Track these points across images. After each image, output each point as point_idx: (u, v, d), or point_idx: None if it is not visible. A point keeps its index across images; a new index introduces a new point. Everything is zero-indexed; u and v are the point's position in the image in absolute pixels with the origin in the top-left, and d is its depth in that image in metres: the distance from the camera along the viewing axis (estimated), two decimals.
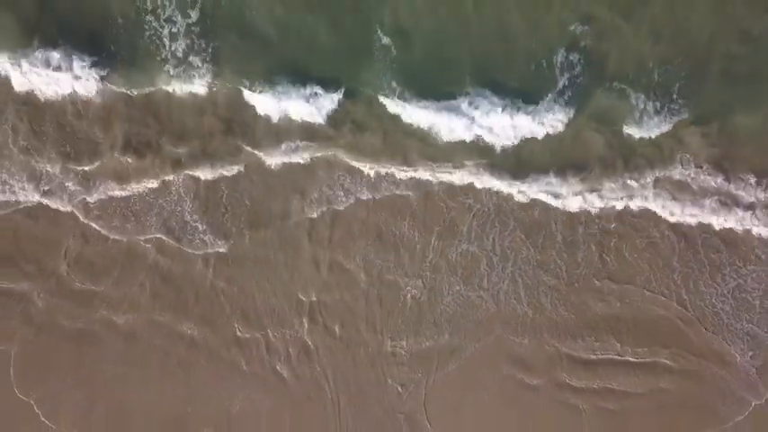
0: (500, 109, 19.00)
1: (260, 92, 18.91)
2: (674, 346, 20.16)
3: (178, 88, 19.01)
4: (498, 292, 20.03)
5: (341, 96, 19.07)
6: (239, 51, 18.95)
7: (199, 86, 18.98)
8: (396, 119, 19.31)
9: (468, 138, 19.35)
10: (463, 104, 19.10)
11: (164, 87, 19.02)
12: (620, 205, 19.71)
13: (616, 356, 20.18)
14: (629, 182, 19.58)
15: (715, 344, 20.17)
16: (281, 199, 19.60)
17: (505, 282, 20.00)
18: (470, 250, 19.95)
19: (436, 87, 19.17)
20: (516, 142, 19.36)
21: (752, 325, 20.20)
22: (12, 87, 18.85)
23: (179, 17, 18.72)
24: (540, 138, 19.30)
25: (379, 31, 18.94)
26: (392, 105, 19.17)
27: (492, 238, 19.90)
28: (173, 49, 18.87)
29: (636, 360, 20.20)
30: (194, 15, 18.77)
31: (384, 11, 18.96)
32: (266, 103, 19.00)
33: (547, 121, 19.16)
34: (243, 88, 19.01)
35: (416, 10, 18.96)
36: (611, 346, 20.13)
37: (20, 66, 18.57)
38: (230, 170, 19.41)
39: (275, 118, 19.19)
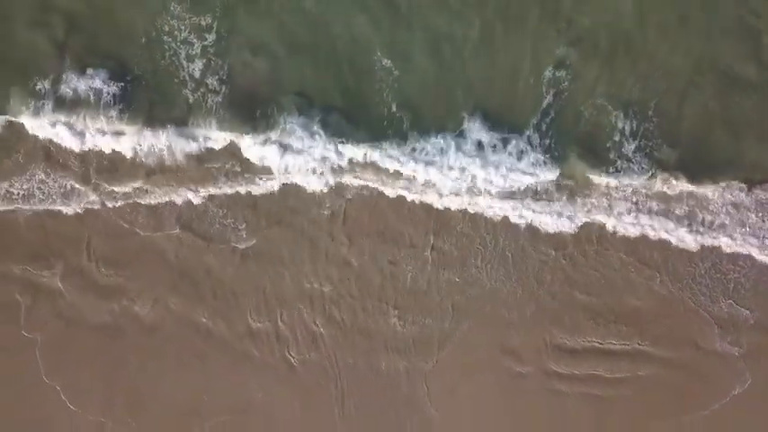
0: (491, 150, 19.58)
1: (269, 141, 19.20)
2: (656, 332, 20.72)
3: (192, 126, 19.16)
4: (491, 271, 20.65)
5: (358, 149, 19.39)
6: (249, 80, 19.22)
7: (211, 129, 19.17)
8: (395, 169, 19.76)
9: (462, 186, 19.98)
10: (454, 148, 19.55)
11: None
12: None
13: (599, 344, 20.74)
14: (610, 192, 20.25)
15: (695, 327, 20.76)
16: (293, 197, 20.13)
17: (496, 260, 20.63)
18: (465, 232, 20.51)
19: (435, 113, 19.73)
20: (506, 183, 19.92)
21: (731, 305, 20.73)
22: (31, 131, 18.90)
23: (195, 40, 18.82)
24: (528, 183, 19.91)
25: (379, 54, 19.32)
26: (390, 160, 19.60)
27: (484, 219, 20.37)
28: (190, 70, 18.90)
29: (618, 347, 20.74)
30: (210, 38, 18.84)
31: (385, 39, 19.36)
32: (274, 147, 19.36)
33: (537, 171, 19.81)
34: (246, 134, 19.18)
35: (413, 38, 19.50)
36: (593, 331, 20.75)
37: (41, 111, 18.67)
38: (245, 189, 19.91)
39: (282, 162, 19.51)
